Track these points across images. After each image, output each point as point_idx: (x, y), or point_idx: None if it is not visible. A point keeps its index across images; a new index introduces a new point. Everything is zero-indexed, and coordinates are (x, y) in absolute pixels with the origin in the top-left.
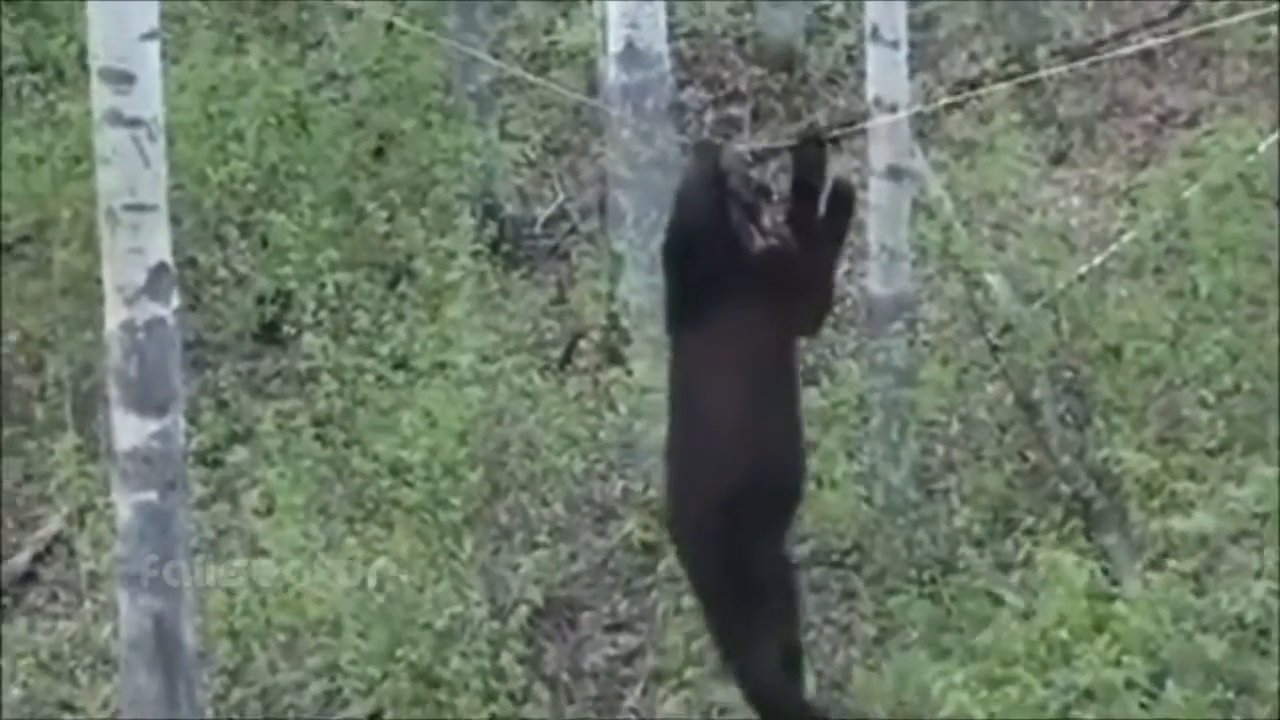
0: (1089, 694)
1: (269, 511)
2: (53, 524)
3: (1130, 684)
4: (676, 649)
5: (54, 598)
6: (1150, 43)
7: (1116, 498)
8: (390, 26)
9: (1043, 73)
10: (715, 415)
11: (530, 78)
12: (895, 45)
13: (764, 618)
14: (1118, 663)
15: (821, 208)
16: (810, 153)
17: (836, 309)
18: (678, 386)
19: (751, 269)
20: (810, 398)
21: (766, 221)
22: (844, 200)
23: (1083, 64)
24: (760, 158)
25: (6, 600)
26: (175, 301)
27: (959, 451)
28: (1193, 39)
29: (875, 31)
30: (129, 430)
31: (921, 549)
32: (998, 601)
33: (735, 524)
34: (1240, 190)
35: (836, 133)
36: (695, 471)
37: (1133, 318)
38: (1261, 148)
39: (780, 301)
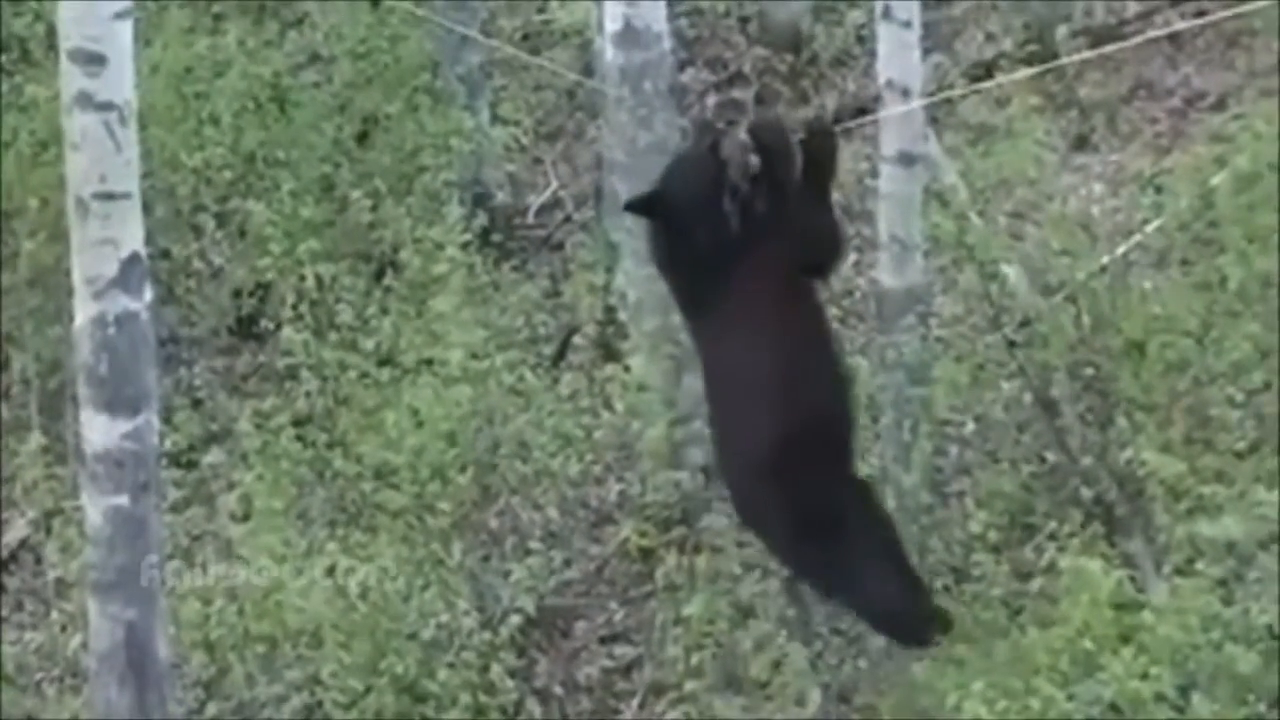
0: (1114, 707)
1: (246, 516)
2: (18, 529)
3: (1158, 696)
4: (675, 661)
5: (19, 606)
6: (1179, 25)
7: (1140, 501)
8: (376, 4)
9: (1065, 60)
10: (747, 370)
11: (526, 56)
12: (908, 25)
13: (861, 539)
14: (1144, 674)
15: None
16: (820, 142)
17: (850, 301)
18: (706, 357)
19: (745, 233)
20: None
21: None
22: (824, 140)
23: (1110, 49)
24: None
25: None
26: (148, 295)
27: (974, 453)
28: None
29: (887, 10)
30: (99, 430)
31: (935, 555)
32: (1016, 610)
33: (797, 465)
34: (1270, 177)
35: (849, 123)
36: (743, 432)
37: (1157, 311)
38: None
39: (781, 251)
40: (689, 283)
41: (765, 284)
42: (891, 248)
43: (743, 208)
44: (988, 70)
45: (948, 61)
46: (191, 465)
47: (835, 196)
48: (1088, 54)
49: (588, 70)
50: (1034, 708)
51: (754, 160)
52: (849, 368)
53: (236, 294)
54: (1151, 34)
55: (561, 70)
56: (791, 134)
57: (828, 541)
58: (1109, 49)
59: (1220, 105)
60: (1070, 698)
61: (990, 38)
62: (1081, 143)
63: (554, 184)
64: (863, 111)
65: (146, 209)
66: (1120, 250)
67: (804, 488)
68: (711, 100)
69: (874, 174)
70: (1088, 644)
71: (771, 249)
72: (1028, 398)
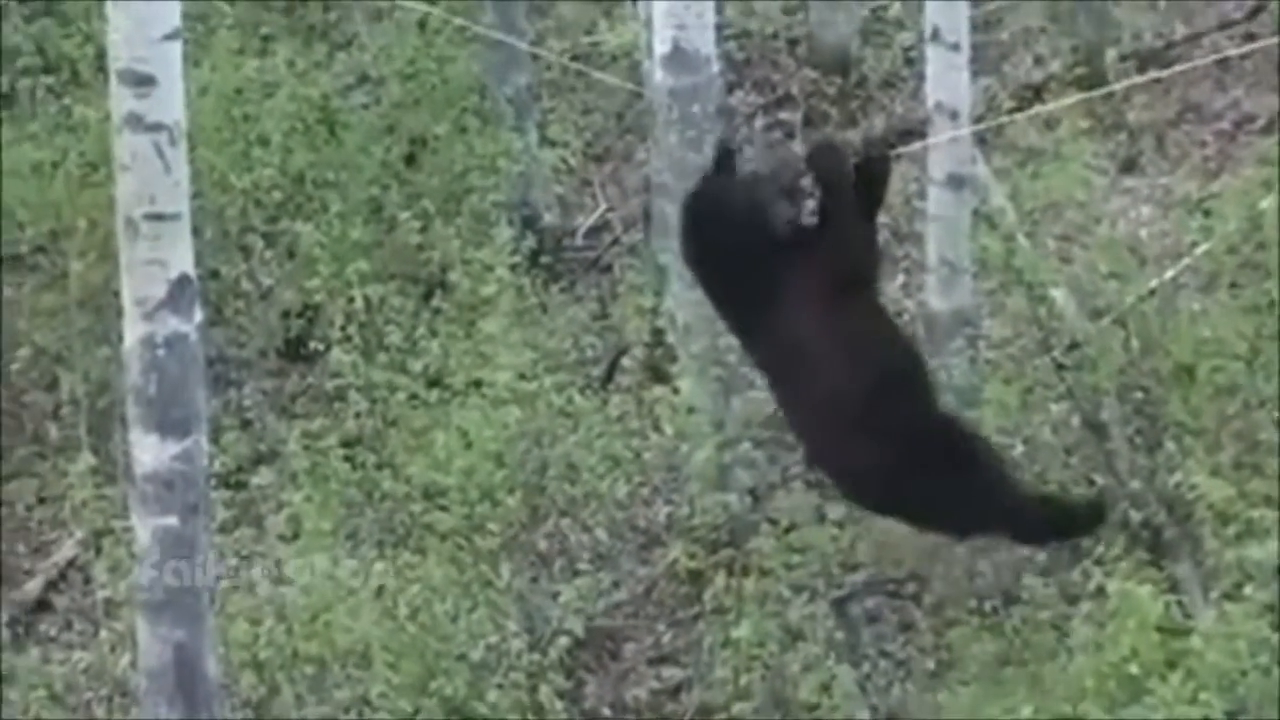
0: None
1: (295, 536)
2: (67, 549)
3: None
4: (724, 683)
5: (68, 626)
6: (1231, 53)
7: (1189, 525)
8: (424, 26)
9: (1115, 86)
10: (817, 346)
11: (582, 68)
12: (956, 47)
13: (977, 465)
14: (1193, 699)
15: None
16: (876, 167)
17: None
18: (767, 368)
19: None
20: None
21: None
22: (880, 165)
23: (1161, 74)
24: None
25: (19, 629)
26: (198, 316)
27: (1023, 475)
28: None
29: (935, 33)
30: (148, 451)
31: (983, 578)
32: (1064, 634)
33: (889, 409)
34: None
35: (904, 148)
36: (827, 398)
37: (1206, 334)
38: None
39: (828, 260)
40: (734, 291)
41: (821, 282)
42: (940, 270)
43: (790, 225)
44: (1036, 93)
45: (996, 84)
46: (240, 486)
47: (882, 219)
48: (1137, 79)
49: (636, 94)
50: None
51: (805, 184)
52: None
53: (285, 315)
54: (1201, 60)
55: (617, 81)
56: (848, 161)
57: (949, 474)
58: (1159, 74)
59: (1269, 128)
60: None
61: (1039, 60)
62: (1130, 166)
63: (602, 206)
64: (911, 134)
65: (196, 230)
66: (1169, 273)
67: (904, 426)
68: (760, 122)
69: (922, 196)
70: (1135, 669)
71: (819, 259)
72: (1076, 420)
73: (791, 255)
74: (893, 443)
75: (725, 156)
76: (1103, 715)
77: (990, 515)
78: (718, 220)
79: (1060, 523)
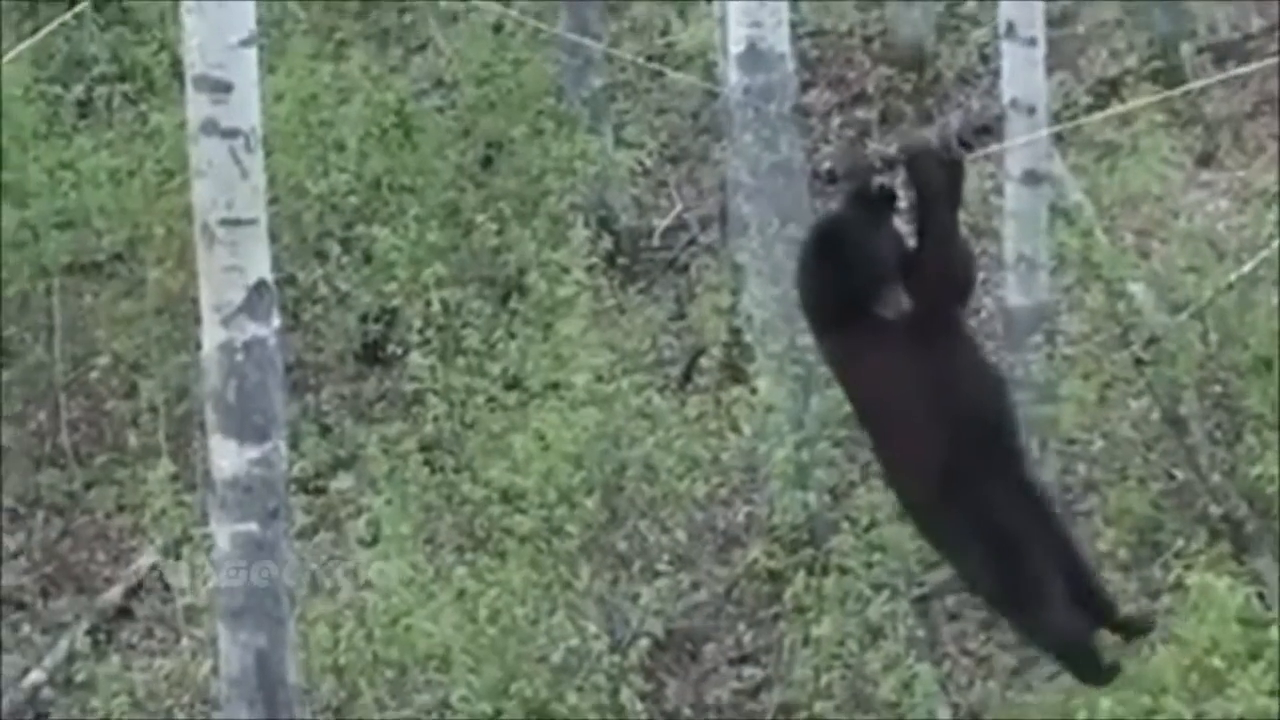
0: None
1: (375, 541)
2: (147, 556)
3: None
4: (805, 682)
5: (149, 634)
6: None
7: (1269, 518)
8: (499, 29)
9: (1193, 85)
10: (902, 387)
11: (659, 67)
12: (1032, 43)
13: (1030, 559)
14: (1273, 691)
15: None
16: (950, 165)
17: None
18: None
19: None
20: None
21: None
22: (954, 168)
23: (1238, 71)
24: (890, 164)
25: (99, 637)
26: (275, 321)
27: (1102, 471)
28: None
29: (1010, 28)
30: (227, 457)
31: None
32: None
33: (967, 476)
34: None
35: (983, 150)
36: (909, 451)
37: None
38: None
39: (923, 282)
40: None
41: (913, 308)
42: (1018, 267)
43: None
44: (1113, 87)
45: (1072, 79)
46: (320, 491)
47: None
48: (1215, 78)
49: (711, 94)
50: None
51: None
52: (1003, 376)
53: (363, 319)
54: (1277, 54)
55: (692, 80)
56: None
57: (1010, 559)
58: (1237, 71)
59: None
60: (1199, 716)
61: (1114, 54)
62: (1207, 159)
63: (679, 206)
64: (987, 130)
65: (272, 236)
66: (1247, 267)
67: (978, 499)
68: (835, 121)
69: (999, 193)
70: (1216, 661)
71: (914, 279)
72: (1155, 415)
73: (893, 284)
74: (971, 505)
75: (875, 198)
76: (1184, 707)
77: (1028, 620)
78: (839, 263)
79: (1085, 659)
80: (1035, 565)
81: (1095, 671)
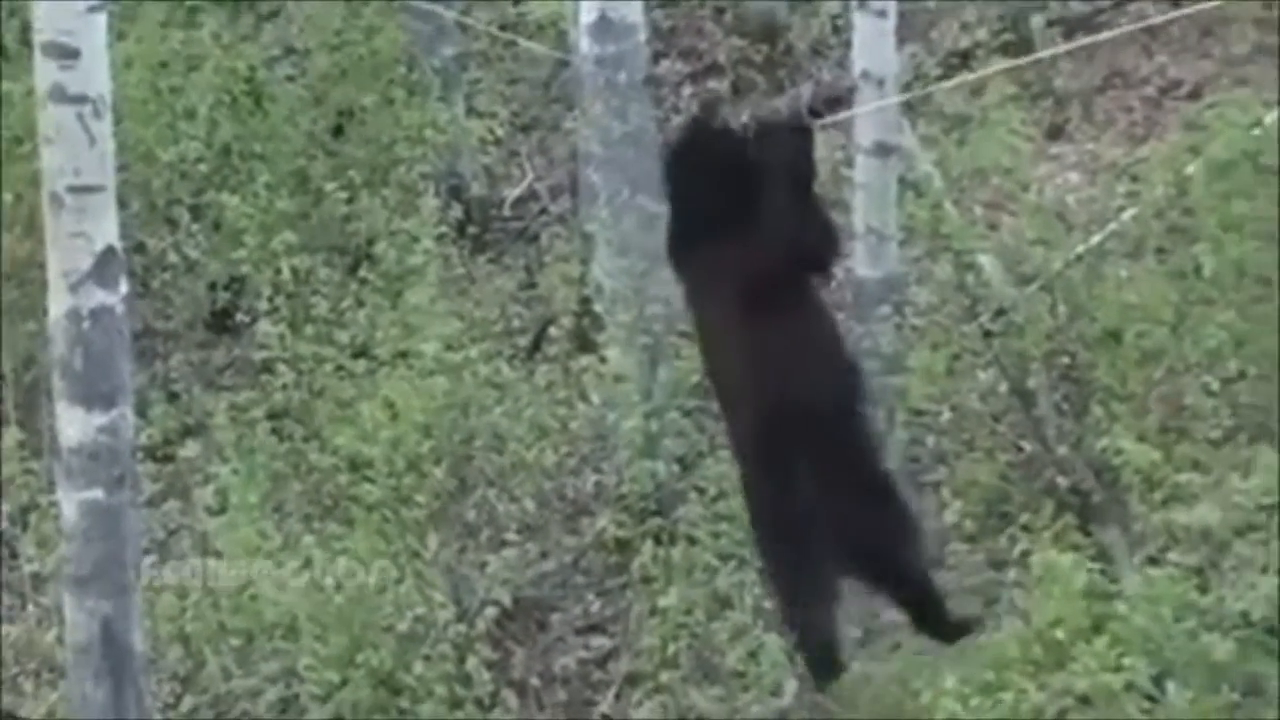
0: (1086, 699)
1: (222, 509)
2: None
3: (1130, 687)
4: (652, 651)
5: None
6: (1156, 20)
7: (1116, 490)
8: None
9: (1042, 54)
10: (740, 358)
11: (510, 36)
12: (883, 14)
13: (806, 552)
14: (1117, 665)
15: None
16: (796, 135)
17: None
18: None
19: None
20: None
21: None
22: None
23: (1087, 41)
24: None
25: None
26: (123, 288)
27: (950, 442)
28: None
29: (862, 0)
30: (74, 424)
31: None
32: (991, 601)
33: (771, 453)
34: (1245, 165)
35: (830, 119)
36: (734, 401)
37: (1133, 300)
38: (1268, 120)
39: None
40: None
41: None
42: (867, 238)
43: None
44: (963, 59)
45: (923, 51)
46: (167, 459)
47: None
48: (1064, 47)
49: (563, 63)
50: (1006, 701)
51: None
52: (852, 364)
53: (212, 287)
54: (1128, 26)
55: (543, 50)
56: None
57: (785, 546)
58: (1086, 42)
59: (1195, 94)
60: (1042, 689)
61: (965, 27)
62: (1057, 132)
63: (530, 176)
64: (839, 102)
65: (121, 203)
66: (1096, 239)
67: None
68: (687, 91)
69: (849, 164)
70: (1059, 635)
71: (770, 249)
72: (1003, 387)
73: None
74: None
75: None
76: (1028, 681)
77: (786, 609)
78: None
79: (814, 661)
80: (807, 558)
81: (825, 673)
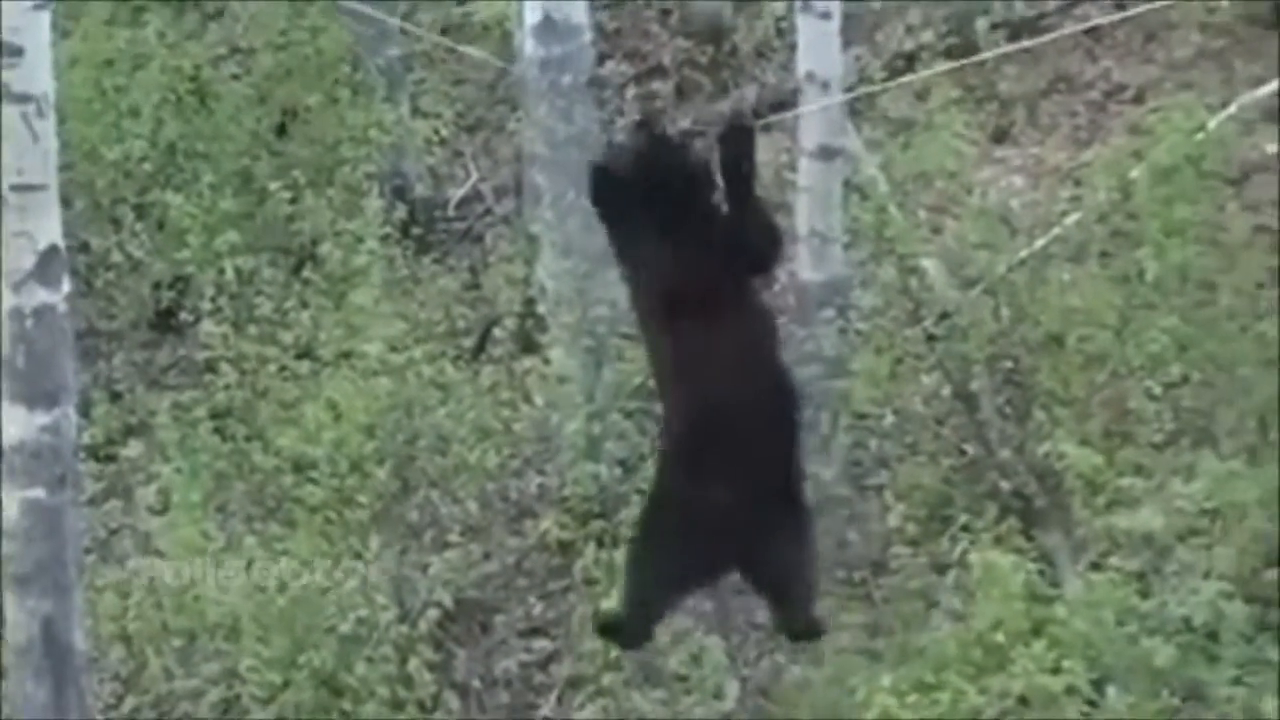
0: (1024, 701)
1: (165, 509)
2: None
3: (1070, 690)
4: (594, 654)
5: None
6: (1100, 21)
7: (1058, 494)
8: None
9: (987, 55)
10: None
11: (448, 43)
12: (827, 16)
13: (658, 562)
14: (1056, 668)
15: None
16: (738, 136)
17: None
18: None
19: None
20: None
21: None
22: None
23: (1031, 43)
24: (685, 138)
25: None
26: (66, 287)
27: (893, 445)
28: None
29: (806, 2)
30: (16, 423)
31: (852, 548)
32: (931, 604)
33: (690, 453)
34: (1189, 170)
35: (768, 119)
36: (667, 421)
37: (1076, 304)
38: (1211, 125)
39: (724, 252)
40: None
41: (709, 284)
42: (811, 241)
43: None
44: (908, 62)
45: (868, 54)
46: (110, 458)
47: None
48: (1008, 48)
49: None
50: (943, 701)
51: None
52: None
53: (156, 287)
54: (1072, 28)
55: (488, 57)
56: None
57: (646, 546)
58: (1029, 43)
59: (1139, 98)
60: (981, 691)
61: (910, 30)
62: (1001, 136)
63: (474, 177)
64: (783, 104)
65: (65, 202)
66: (1039, 243)
67: (683, 486)
68: (631, 92)
69: (793, 167)
70: (999, 637)
71: (717, 249)
72: (946, 391)
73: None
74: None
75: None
76: (966, 683)
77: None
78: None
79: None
80: (658, 569)
81: (633, 637)
